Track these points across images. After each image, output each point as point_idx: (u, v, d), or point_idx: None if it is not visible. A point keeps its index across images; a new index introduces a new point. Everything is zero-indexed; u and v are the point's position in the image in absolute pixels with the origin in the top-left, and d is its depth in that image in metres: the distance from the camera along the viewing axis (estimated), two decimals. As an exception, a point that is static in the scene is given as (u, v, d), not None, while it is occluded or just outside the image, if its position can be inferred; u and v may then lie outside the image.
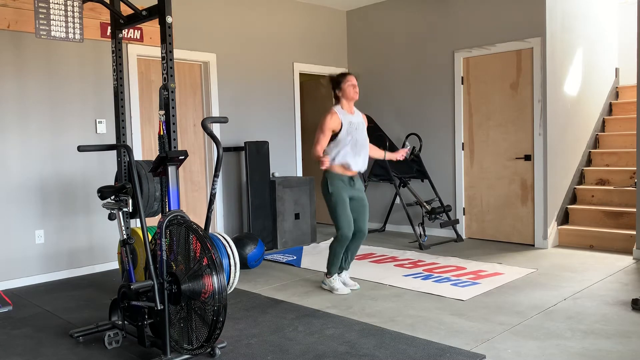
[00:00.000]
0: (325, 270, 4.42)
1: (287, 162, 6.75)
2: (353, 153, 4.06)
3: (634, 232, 5.32)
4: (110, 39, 5.05)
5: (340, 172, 4.07)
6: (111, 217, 3.22)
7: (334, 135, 4.04)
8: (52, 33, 3.53)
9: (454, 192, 6.39)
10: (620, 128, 6.60)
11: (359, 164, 4.12)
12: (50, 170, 4.84)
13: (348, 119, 4.07)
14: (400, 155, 4.36)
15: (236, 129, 6.17)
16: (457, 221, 6.17)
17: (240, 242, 5.01)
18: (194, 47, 5.78)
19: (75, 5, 3.61)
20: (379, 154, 4.39)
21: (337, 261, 4.20)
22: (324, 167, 3.89)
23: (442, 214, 6.02)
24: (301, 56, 6.86)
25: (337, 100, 4.15)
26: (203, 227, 5.12)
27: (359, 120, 4.15)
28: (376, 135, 6.36)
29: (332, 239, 6.42)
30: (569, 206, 6.00)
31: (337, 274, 4.26)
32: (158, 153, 3.56)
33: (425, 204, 6.05)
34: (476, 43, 6.09)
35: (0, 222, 4.58)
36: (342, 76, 4.12)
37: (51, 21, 3.52)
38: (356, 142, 4.07)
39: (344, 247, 4.14)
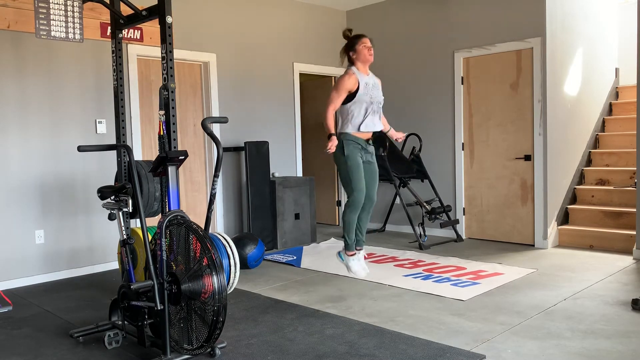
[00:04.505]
0: (343, 245, 4.20)
1: (287, 162, 6.75)
2: (371, 113, 3.96)
3: (634, 232, 5.32)
4: (110, 39, 5.05)
5: (356, 134, 3.94)
6: (111, 217, 3.22)
7: (350, 97, 3.92)
8: (52, 33, 3.52)
9: (454, 192, 6.39)
10: (620, 128, 6.60)
11: (377, 125, 4.02)
12: (50, 170, 4.84)
13: (364, 80, 3.96)
14: (400, 135, 4.27)
15: (236, 129, 6.17)
16: (457, 221, 6.17)
17: (240, 242, 5.01)
18: (194, 47, 5.78)
19: (75, 5, 3.61)
20: (385, 125, 4.26)
21: (353, 230, 4.03)
22: (330, 152, 3.78)
23: (442, 214, 6.01)
24: (301, 56, 6.86)
25: (351, 63, 4.03)
26: (203, 227, 5.12)
27: (375, 82, 4.05)
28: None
29: (332, 239, 6.42)
30: (569, 206, 6.00)
31: (356, 252, 4.10)
32: (158, 153, 3.56)
33: (425, 204, 6.05)
34: (476, 43, 6.09)
35: (0, 222, 4.58)
36: (357, 37, 3.99)
37: (51, 21, 3.52)
38: (373, 102, 3.96)
39: (357, 212, 3.98)
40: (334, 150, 3.84)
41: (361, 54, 3.98)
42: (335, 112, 3.94)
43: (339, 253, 4.20)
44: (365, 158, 4.03)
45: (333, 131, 3.88)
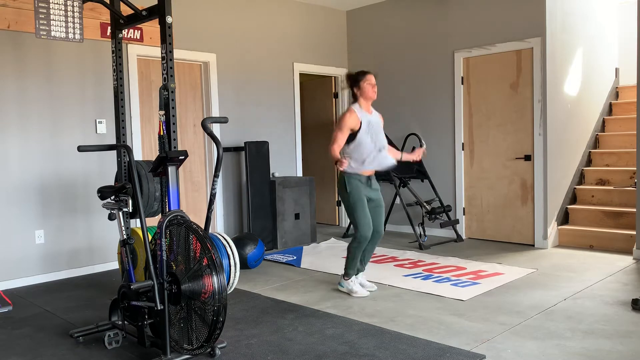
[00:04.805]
0: (342, 273, 4.34)
1: (287, 162, 6.75)
2: (374, 151, 3.99)
3: (634, 232, 5.32)
4: (110, 39, 5.05)
5: (358, 172, 4.00)
6: (111, 217, 3.22)
7: (352, 136, 3.97)
8: (52, 33, 3.52)
9: (454, 192, 6.39)
10: (620, 128, 6.60)
11: (382, 161, 4.03)
12: (50, 170, 4.84)
13: (367, 119, 4.00)
14: (417, 155, 4.23)
15: (236, 129, 6.17)
16: (457, 221, 6.17)
17: (240, 242, 5.01)
18: (194, 47, 5.78)
19: (75, 5, 3.61)
20: (396, 155, 4.27)
21: (355, 263, 4.12)
22: (342, 168, 3.79)
23: (442, 214, 6.01)
24: (301, 56, 6.86)
25: (355, 99, 4.07)
26: (203, 227, 5.12)
27: (377, 120, 4.08)
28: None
29: (336, 238, 6.41)
30: (569, 206, 6.00)
31: (354, 276, 4.19)
32: (158, 153, 3.56)
33: (425, 204, 6.05)
34: (476, 43, 6.09)
35: (0, 222, 4.58)
36: (362, 74, 4.02)
37: (51, 21, 3.52)
38: (376, 142, 4.00)
39: (362, 248, 4.06)
40: (346, 166, 3.85)
41: (365, 90, 4.02)
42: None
43: (339, 284, 4.28)
44: (369, 194, 4.08)
45: (338, 154, 3.94)
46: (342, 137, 3.95)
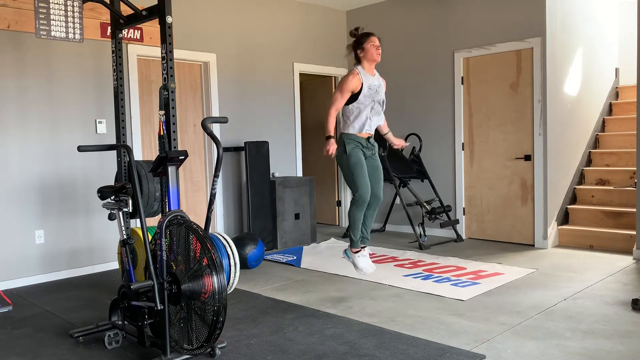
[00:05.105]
0: (349, 242, 4.20)
1: (287, 162, 6.75)
2: (373, 114, 3.97)
3: (634, 232, 5.32)
4: (110, 39, 5.05)
5: (357, 133, 3.95)
6: (111, 217, 3.22)
7: (353, 98, 3.92)
8: (52, 33, 3.52)
9: (454, 192, 6.39)
10: (620, 128, 6.60)
11: (376, 123, 4.03)
12: (50, 170, 4.84)
13: (368, 81, 3.95)
14: (398, 142, 4.30)
15: (236, 129, 6.17)
16: (457, 221, 6.17)
17: (240, 242, 5.01)
18: (194, 47, 5.78)
19: (75, 5, 3.60)
20: (384, 127, 4.27)
21: (358, 228, 4.03)
22: (328, 154, 3.80)
23: (442, 214, 6.01)
24: (301, 56, 6.86)
25: (358, 61, 4.02)
26: (203, 227, 5.12)
27: (379, 83, 4.04)
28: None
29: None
30: (569, 206, 6.00)
31: (361, 249, 4.08)
32: (158, 153, 3.55)
33: (425, 204, 6.05)
34: (476, 43, 6.09)
35: (0, 222, 4.58)
36: (365, 36, 3.97)
37: (51, 21, 3.52)
38: (374, 106, 3.97)
39: (362, 210, 3.98)
40: (333, 153, 3.85)
41: (369, 52, 3.96)
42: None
43: (345, 251, 4.20)
44: (368, 154, 4.03)
45: (332, 133, 3.89)
46: (341, 100, 3.90)
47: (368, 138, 4.03)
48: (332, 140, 3.84)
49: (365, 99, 3.93)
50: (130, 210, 3.31)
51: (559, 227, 5.84)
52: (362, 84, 3.91)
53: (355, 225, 4.03)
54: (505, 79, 5.90)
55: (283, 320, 3.59)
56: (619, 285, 4.22)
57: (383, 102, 4.06)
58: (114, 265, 5.24)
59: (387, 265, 5.09)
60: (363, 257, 4.08)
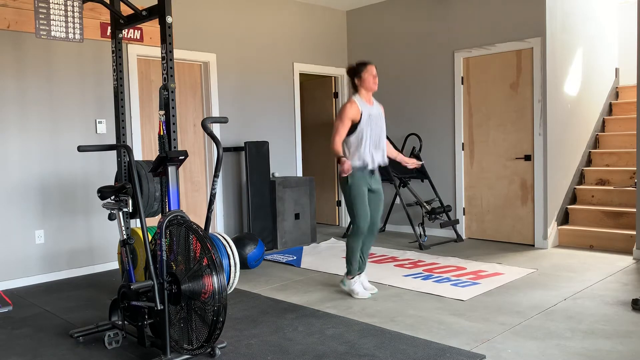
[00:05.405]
0: (345, 271, 4.29)
1: (287, 162, 6.75)
2: (372, 146, 3.99)
3: (634, 232, 5.32)
4: (110, 39, 5.05)
5: (360, 164, 3.97)
6: (111, 217, 3.22)
7: (353, 127, 3.95)
8: (52, 33, 3.52)
9: (454, 192, 6.39)
10: (620, 128, 6.60)
11: (378, 158, 4.05)
12: (50, 170, 4.84)
13: (367, 110, 3.98)
14: (410, 162, 4.30)
15: (236, 129, 6.17)
16: (457, 221, 6.17)
17: (240, 242, 5.01)
18: (194, 47, 5.78)
19: (75, 5, 3.60)
20: (393, 153, 4.29)
21: (356, 258, 4.08)
22: (345, 174, 3.79)
23: (442, 214, 6.01)
24: (301, 56, 6.86)
25: (355, 90, 4.05)
26: (203, 227, 5.12)
27: (378, 112, 4.07)
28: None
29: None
30: (569, 206, 6.00)
31: (357, 275, 4.14)
32: (158, 153, 3.56)
33: (425, 204, 6.05)
34: (476, 43, 6.09)
35: (0, 222, 4.58)
36: (363, 65, 4.00)
37: (51, 21, 3.52)
38: (375, 135, 3.99)
39: (360, 241, 4.04)
40: (349, 169, 3.83)
41: (366, 81, 4.00)
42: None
43: (342, 281, 4.25)
44: (371, 187, 4.06)
45: (342, 154, 3.92)
46: (343, 128, 3.93)
47: (372, 171, 4.05)
48: (344, 159, 3.81)
49: (365, 128, 3.95)
50: (130, 210, 3.31)
51: (559, 227, 5.84)
52: (361, 113, 3.94)
53: (353, 254, 4.10)
54: (505, 79, 5.90)
55: (283, 320, 3.59)
56: (619, 285, 4.22)
57: (383, 132, 4.08)
58: (114, 265, 5.24)
59: (387, 265, 5.10)
60: (359, 284, 4.16)
